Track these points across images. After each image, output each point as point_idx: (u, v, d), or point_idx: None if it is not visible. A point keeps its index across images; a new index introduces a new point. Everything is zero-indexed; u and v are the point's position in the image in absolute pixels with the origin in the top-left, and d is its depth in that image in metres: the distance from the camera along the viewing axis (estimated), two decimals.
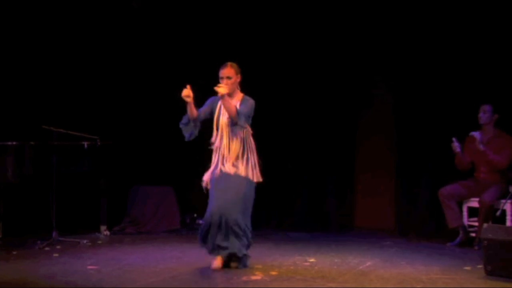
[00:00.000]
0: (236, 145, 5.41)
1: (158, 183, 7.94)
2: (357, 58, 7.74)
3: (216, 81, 5.45)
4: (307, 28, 7.79)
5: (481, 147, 6.58)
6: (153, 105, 8.22)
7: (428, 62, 7.31)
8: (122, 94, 8.13)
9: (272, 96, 7.74)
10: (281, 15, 7.81)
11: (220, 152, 5.45)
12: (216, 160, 5.48)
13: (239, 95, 5.52)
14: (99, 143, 7.02)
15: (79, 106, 7.75)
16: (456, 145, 6.72)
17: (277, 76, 7.87)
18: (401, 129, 7.59)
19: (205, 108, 5.54)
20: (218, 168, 5.42)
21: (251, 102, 5.48)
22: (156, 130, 8.16)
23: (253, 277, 5.09)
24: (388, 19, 7.49)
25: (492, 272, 5.12)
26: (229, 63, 5.49)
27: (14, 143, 6.65)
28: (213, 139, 5.52)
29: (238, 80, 5.50)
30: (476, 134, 6.64)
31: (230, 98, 5.40)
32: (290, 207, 8.02)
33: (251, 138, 5.51)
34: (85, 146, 6.94)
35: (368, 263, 5.70)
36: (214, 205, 5.35)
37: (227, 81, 5.41)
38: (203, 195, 8.08)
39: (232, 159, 5.40)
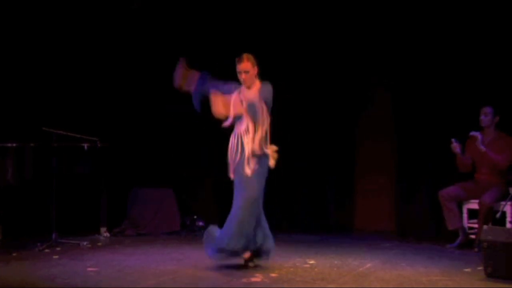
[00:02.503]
0: (261, 133, 5.36)
1: (158, 185, 7.94)
2: (357, 59, 7.74)
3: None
4: (307, 29, 7.79)
5: (482, 147, 6.57)
6: (154, 107, 8.22)
7: (428, 63, 7.31)
8: (122, 96, 8.13)
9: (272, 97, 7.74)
10: (282, 16, 7.81)
11: (245, 138, 5.35)
12: (240, 147, 5.38)
13: (257, 85, 5.44)
14: (99, 145, 7.03)
15: (79, 107, 7.76)
16: (455, 145, 6.71)
17: (277, 77, 7.86)
18: (401, 130, 7.59)
19: (227, 87, 5.45)
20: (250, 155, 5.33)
21: (268, 88, 5.41)
22: (156, 132, 8.16)
23: (253, 279, 5.08)
24: (388, 20, 7.49)
25: (492, 274, 5.11)
26: (245, 56, 5.38)
27: (14, 144, 6.65)
28: (227, 124, 5.41)
29: (255, 72, 5.41)
30: (477, 134, 6.63)
31: (249, 90, 5.39)
32: (290, 209, 8.02)
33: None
34: (85, 147, 6.95)
35: (368, 265, 5.70)
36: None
37: (245, 75, 5.35)
38: (202, 197, 8.16)
39: (258, 145, 5.35)
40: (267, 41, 7.82)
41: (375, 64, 7.73)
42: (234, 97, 5.43)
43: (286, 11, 7.78)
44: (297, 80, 7.89)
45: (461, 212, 6.76)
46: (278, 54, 7.85)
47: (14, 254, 6.11)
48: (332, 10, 7.65)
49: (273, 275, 5.24)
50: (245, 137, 5.37)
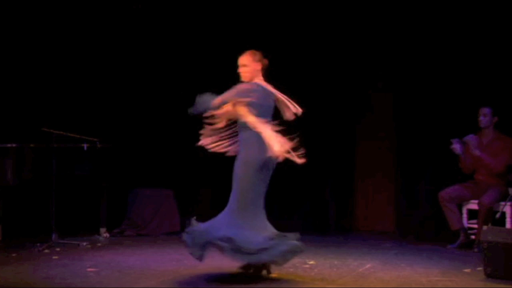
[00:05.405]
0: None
1: (157, 185, 7.94)
2: (356, 60, 7.74)
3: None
4: (307, 30, 7.79)
5: (476, 152, 6.57)
6: (153, 108, 8.22)
7: (428, 64, 7.32)
8: (122, 97, 8.13)
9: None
10: (284, 17, 7.81)
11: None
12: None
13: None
14: (99, 146, 7.02)
15: (79, 108, 7.75)
16: (455, 147, 6.70)
17: (277, 79, 7.86)
18: (401, 131, 7.60)
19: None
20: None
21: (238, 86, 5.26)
22: (156, 132, 8.15)
23: (253, 280, 5.08)
24: (388, 22, 7.49)
25: (492, 274, 5.12)
26: (248, 51, 5.29)
27: (14, 145, 6.65)
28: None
29: (257, 68, 5.28)
30: (470, 139, 6.61)
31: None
32: (290, 209, 8.01)
33: None
34: (85, 148, 6.94)
35: (368, 266, 5.70)
36: None
37: (242, 69, 5.25)
38: (202, 198, 8.15)
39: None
40: (267, 42, 7.81)
41: (375, 64, 7.73)
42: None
43: (288, 13, 7.77)
44: (297, 82, 7.88)
45: (461, 213, 6.76)
46: (278, 55, 7.84)
47: (13, 255, 6.10)
48: (335, 12, 7.64)
49: (273, 275, 5.23)
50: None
